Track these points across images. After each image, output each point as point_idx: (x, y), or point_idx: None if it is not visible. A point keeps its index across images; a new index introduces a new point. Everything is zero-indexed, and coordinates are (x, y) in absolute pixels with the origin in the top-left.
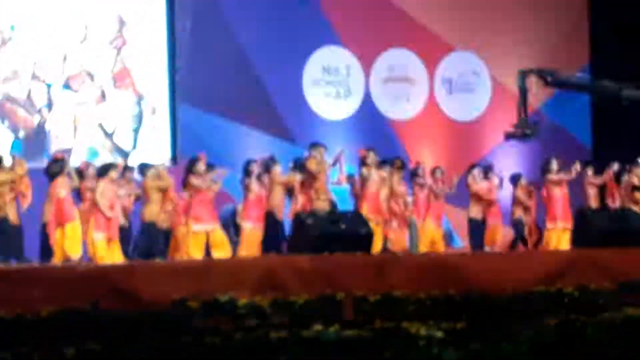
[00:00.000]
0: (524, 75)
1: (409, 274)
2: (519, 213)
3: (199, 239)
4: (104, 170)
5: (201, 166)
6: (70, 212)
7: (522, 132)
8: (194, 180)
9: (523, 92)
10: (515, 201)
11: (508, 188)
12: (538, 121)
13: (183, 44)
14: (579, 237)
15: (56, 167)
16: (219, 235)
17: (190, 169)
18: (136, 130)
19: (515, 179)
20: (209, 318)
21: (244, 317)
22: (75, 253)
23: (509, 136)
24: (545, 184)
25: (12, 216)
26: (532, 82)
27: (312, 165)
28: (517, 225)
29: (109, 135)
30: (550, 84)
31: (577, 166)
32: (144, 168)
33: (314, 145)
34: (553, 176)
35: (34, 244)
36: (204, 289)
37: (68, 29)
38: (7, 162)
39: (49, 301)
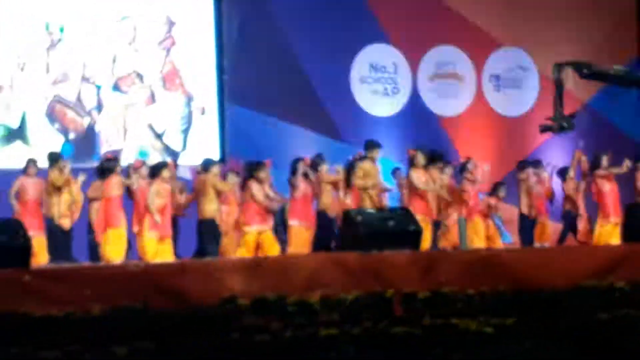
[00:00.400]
0: (559, 67)
1: (458, 270)
2: (568, 206)
3: (250, 239)
4: (156, 170)
5: (264, 173)
6: (117, 216)
7: (558, 125)
8: (255, 190)
9: (558, 85)
10: (566, 195)
11: (558, 182)
12: (575, 114)
13: (231, 44)
14: (629, 232)
15: (109, 165)
16: (269, 237)
17: (253, 174)
18: (186, 131)
19: (563, 173)
20: (259, 316)
21: (293, 315)
22: (117, 258)
23: (544, 129)
24: (595, 179)
25: (61, 217)
26: (568, 74)
27: (366, 165)
28: (566, 217)
29: (158, 136)
30: (585, 76)
31: (628, 163)
32: (208, 165)
33: (371, 145)
34: (602, 171)
35: (82, 244)
36: (253, 287)
37: (117, 30)
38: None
39: (100, 300)
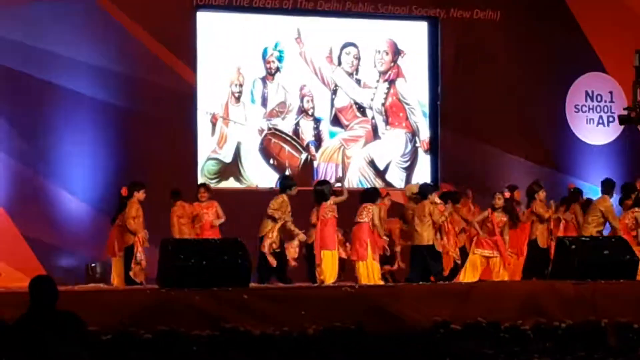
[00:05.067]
0: None
1: None
2: None
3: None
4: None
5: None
6: (332, 238)
7: (638, 114)
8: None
9: (639, 73)
10: None
11: None
12: None
13: (446, 70)
14: None
15: (325, 188)
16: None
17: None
18: (409, 168)
19: None
20: (470, 341)
21: (506, 341)
22: (330, 280)
23: (623, 120)
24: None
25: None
26: None
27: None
28: None
29: (380, 173)
30: None
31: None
32: (426, 191)
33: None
34: None
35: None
36: (466, 311)
37: (339, 58)
38: None
39: (315, 320)
